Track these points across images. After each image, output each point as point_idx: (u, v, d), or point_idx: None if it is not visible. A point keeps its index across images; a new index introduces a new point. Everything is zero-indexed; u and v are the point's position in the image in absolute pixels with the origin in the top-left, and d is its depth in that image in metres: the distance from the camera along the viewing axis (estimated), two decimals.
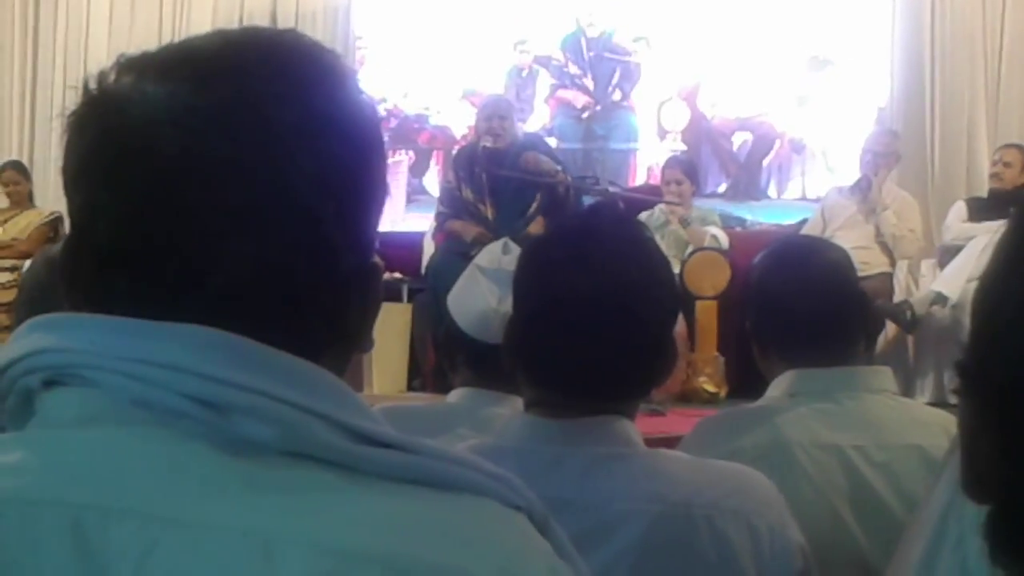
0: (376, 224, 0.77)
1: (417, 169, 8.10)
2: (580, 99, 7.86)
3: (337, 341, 0.76)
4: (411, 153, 8.05)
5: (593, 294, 1.35)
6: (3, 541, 0.65)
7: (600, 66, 7.80)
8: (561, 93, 7.92)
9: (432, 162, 8.11)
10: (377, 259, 0.78)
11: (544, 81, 7.95)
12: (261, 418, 0.66)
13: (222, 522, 0.64)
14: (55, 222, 7.20)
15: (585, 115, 7.83)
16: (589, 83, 7.84)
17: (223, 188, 0.69)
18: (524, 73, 7.94)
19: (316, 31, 7.23)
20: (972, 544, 0.93)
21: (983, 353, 0.68)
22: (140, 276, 0.70)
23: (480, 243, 5.50)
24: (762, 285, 1.95)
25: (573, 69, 7.87)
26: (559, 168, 5.89)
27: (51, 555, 0.65)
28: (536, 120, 7.86)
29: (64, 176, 0.74)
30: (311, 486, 0.66)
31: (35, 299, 1.38)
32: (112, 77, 0.73)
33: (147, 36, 7.77)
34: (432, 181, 7.94)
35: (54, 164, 7.76)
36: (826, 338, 1.84)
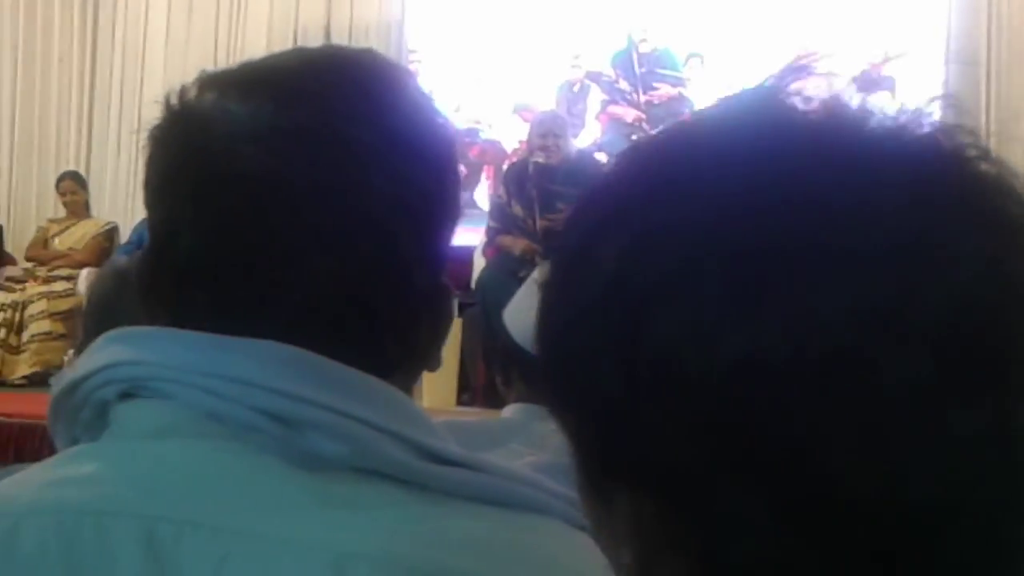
0: (448, 243, 0.77)
1: (468, 183, 8.10)
2: (630, 114, 7.83)
3: (407, 359, 0.76)
4: (462, 167, 8.05)
5: None
6: (79, 552, 0.66)
7: (650, 82, 7.76)
8: (611, 109, 7.90)
9: (483, 176, 8.12)
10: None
11: (595, 96, 7.93)
12: (332, 434, 0.67)
13: (293, 536, 0.64)
14: (111, 232, 7.29)
15: (633, 137, 7.79)
16: (640, 99, 7.81)
17: (304, 207, 0.70)
18: (576, 88, 7.92)
19: (369, 44, 7.19)
20: None
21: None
22: (219, 291, 0.71)
23: (527, 256, 5.50)
24: None
25: (623, 85, 7.84)
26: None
27: (125, 566, 0.65)
28: (587, 135, 7.85)
29: (145, 189, 0.75)
30: (381, 502, 0.66)
31: (102, 311, 1.39)
32: (193, 93, 0.74)
33: (203, 51, 7.82)
34: (482, 195, 7.93)
35: (110, 175, 7.86)
36: None
